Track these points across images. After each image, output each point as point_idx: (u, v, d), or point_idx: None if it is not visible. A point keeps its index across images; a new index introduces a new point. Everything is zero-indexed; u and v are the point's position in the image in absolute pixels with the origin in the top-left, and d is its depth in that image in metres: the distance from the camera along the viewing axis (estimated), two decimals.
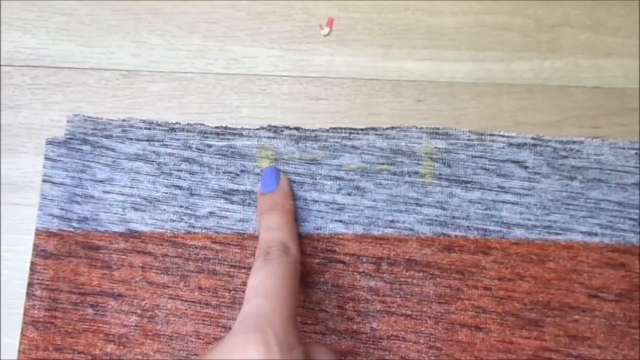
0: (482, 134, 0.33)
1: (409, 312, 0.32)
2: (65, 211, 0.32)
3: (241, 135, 0.33)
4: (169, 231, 0.32)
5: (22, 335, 0.31)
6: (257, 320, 0.23)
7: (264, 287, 0.25)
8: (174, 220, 0.32)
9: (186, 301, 0.32)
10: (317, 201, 0.32)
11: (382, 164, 0.33)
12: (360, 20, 0.34)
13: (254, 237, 0.32)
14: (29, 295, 0.32)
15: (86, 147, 0.33)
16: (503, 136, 0.33)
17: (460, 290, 0.32)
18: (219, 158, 0.33)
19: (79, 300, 0.32)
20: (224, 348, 0.23)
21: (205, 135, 0.33)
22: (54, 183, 0.33)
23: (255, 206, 0.32)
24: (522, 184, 0.32)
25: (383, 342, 0.31)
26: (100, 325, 0.32)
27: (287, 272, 0.26)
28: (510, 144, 0.33)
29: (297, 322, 0.31)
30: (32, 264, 0.32)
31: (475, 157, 0.32)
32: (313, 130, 0.33)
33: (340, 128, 0.33)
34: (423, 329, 0.31)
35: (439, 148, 0.33)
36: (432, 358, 0.31)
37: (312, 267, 0.32)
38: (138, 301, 0.32)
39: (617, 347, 0.31)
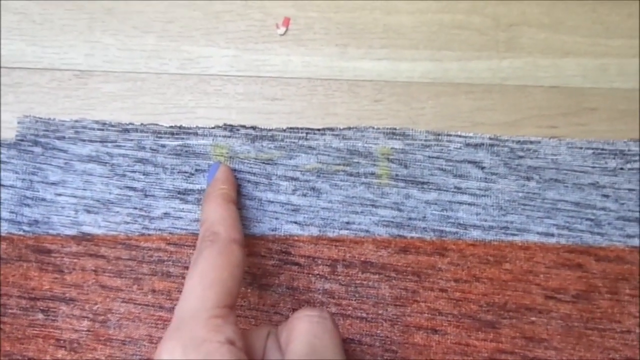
0: (439, 134, 0.32)
1: (364, 315, 0.31)
2: (15, 214, 0.32)
3: (196, 134, 0.32)
4: (122, 233, 0.32)
5: None
6: (171, 324, 0.24)
7: (185, 288, 0.25)
8: (127, 222, 0.32)
9: (139, 304, 0.31)
10: (272, 202, 0.32)
11: (339, 164, 0.32)
12: (317, 19, 0.34)
13: None
14: None
15: (37, 149, 0.32)
16: (460, 136, 0.32)
17: (416, 292, 0.31)
18: (173, 158, 0.32)
19: (29, 306, 0.31)
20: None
21: (159, 135, 0.33)
22: (4, 186, 0.32)
23: None
24: (478, 184, 0.32)
25: None
26: (51, 330, 0.31)
27: (208, 263, 0.25)
28: (467, 144, 0.32)
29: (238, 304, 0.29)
30: None
31: (432, 157, 0.32)
32: (269, 130, 0.32)
33: (297, 128, 0.33)
34: (379, 331, 0.31)
35: (396, 149, 0.32)
36: None
37: (266, 269, 0.32)
38: (90, 305, 0.31)
39: (574, 349, 0.31)
